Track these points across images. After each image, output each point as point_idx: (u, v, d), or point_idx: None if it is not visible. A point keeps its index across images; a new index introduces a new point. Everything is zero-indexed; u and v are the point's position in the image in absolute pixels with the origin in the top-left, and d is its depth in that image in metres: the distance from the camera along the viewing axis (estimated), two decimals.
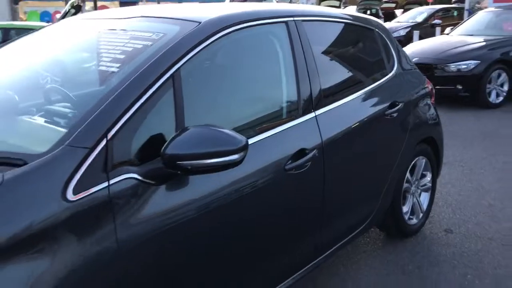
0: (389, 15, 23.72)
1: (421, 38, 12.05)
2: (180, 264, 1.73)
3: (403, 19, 16.51)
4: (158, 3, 24.58)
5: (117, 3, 40.68)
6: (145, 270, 1.61)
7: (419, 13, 16.10)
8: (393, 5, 28.54)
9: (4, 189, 1.38)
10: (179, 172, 1.67)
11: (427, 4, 28.16)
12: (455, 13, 16.49)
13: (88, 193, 1.48)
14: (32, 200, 1.40)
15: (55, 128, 1.68)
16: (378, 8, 27.41)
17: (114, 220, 1.53)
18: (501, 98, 7.60)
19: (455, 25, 10.31)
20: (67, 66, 2.18)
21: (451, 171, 4.57)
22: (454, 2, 19.81)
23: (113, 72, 1.81)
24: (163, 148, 1.64)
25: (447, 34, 9.37)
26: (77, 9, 11.50)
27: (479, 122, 6.63)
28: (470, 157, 5.04)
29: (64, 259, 1.41)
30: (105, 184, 1.53)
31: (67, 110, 1.82)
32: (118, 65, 1.84)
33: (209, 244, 1.82)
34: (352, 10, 28.20)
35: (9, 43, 2.57)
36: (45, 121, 1.80)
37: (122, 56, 1.88)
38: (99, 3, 37.13)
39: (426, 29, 14.76)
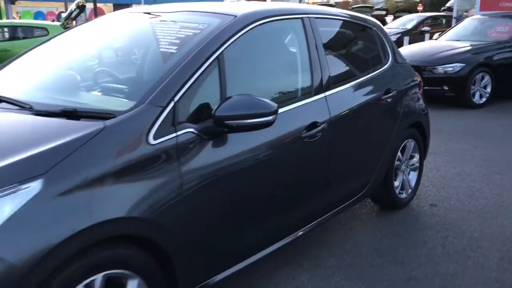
0: (380, 22, 24.38)
1: (410, 44, 12.64)
2: (219, 196, 2.21)
3: (394, 25, 17.14)
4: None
5: (110, 5, 41.02)
6: (195, 194, 2.08)
7: (409, 20, 16.74)
8: (384, 12, 29.36)
9: (106, 131, 1.87)
10: (225, 129, 2.16)
11: (417, 12, 29.01)
12: (444, 21, 17.16)
13: (164, 139, 1.98)
14: (126, 142, 1.89)
15: (133, 91, 2.16)
16: (369, 15, 28.06)
17: (179, 160, 2.02)
18: (484, 99, 8.19)
19: (443, 32, 10.92)
20: (132, 48, 2.67)
21: (436, 159, 5.11)
22: (443, 11, 20.51)
23: (172, 53, 2.31)
24: (213, 111, 2.13)
25: (435, 39, 9.97)
26: (81, 9, 11.95)
27: (463, 120, 7.20)
28: (454, 148, 5.58)
29: (148, 184, 1.90)
30: (174, 134, 2.02)
31: (140, 79, 2.30)
32: (175, 47, 2.34)
33: (243, 186, 2.32)
34: None
35: (64, 33, 3.06)
36: (124, 88, 2.29)
37: (177, 41, 2.38)
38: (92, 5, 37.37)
39: (415, 35, 15.34)
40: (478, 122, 7.09)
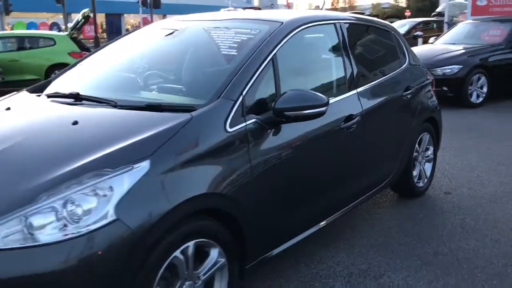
0: None
1: None
2: (278, 177, 2.54)
3: None
4: (151, 16, 25.45)
5: (103, 15, 41.24)
6: (261, 174, 2.40)
7: (401, 26, 17.25)
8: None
9: (194, 121, 2.20)
10: (283, 120, 2.49)
11: (405, 17, 29.69)
12: (435, 26, 17.69)
13: (237, 128, 2.31)
14: (209, 129, 2.22)
15: (206, 88, 2.49)
16: None
17: (248, 145, 2.35)
18: (481, 99, 8.61)
19: (434, 36, 11.37)
20: (192, 51, 3.01)
21: (444, 154, 5.47)
22: (434, 16, 21.10)
23: (233, 55, 2.65)
24: (274, 103, 2.47)
25: (432, 43, 10.40)
26: (86, 19, 12.25)
27: (464, 118, 7.60)
28: (459, 144, 5.96)
29: (226, 165, 2.23)
30: (244, 124, 2.35)
31: (209, 78, 2.64)
32: (235, 50, 2.68)
33: (296, 168, 2.65)
34: None
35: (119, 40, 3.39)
36: (197, 86, 2.62)
37: (235, 45, 2.72)
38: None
39: (408, 40, 15.56)
40: (477, 120, 7.49)
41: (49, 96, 2.80)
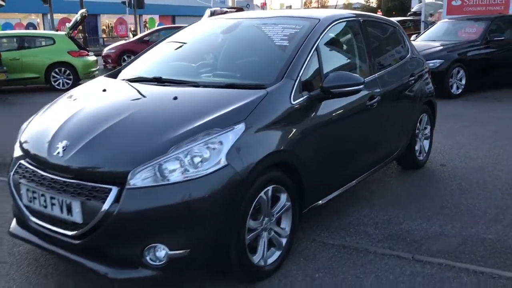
0: None
1: None
2: (323, 140, 3.20)
3: None
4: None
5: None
6: (313, 136, 3.06)
7: None
8: None
9: (269, 95, 2.85)
10: (329, 96, 3.16)
11: None
12: (411, 25, 18.67)
13: (298, 101, 2.97)
14: (280, 102, 2.87)
15: (270, 71, 3.13)
16: None
17: (305, 115, 3.01)
18: (460, 90, 9.48)
19: (411, 35, 12.23)
20: (250, 42, 3.65)
21: (436, 136, 6.18)
22: (410, 15, 22.11)
23: (286, 45, 3.31)
24: (321, 83, 3.14)
25: (414, 40, 11.25)
26: (83, 18, 12.70)
27: (447, 107, 8.40)
28: (446, 127, 6.74)
29: (291, 128, 2.89)
30: (301, 98, 3.01)
31: (270, 63, 3.28)
32: (287, 42, 3.34)
33: (337, 133, 3.33)
34: None
35: (172, 35, 4.02)
36: (260, 69, 3.27)
37: (286, 37, 3.38)
38: (61, 15, 37.40)
39: None
40: (459, 108, 8.33)
41: (132, 80, 3.41)
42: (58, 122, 2.90)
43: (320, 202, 3.33)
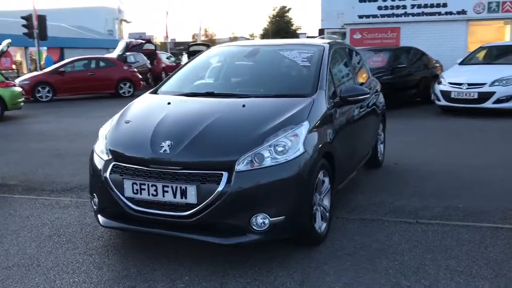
0: None
1: None
2: (342, 137, 4.13)
3: None
4: None
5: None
6: (338, 133, 3.97)
7: None
8: None
9: (315, 102, 3.73)
10: (346, 103, 4.12)
11: None
12: None
13: (329, 107, 3.88)
14: (321, 107, 3.76)
15: (304, 84, 4.01)
16: (205, 51, 31.28)
17: (332, 117, 3.93)
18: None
19: None
20: (276, 64, 4.50)
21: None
22: None
23: (308, 65, 4.23)
24: (339, 93, 4.09)
25: None
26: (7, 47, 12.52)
27: None
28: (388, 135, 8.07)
29: (329, 127, 3.77)
30: (330, 104, 3.93)
31: (302, 78, 4.15)
32: (307, 62, 4.26)
33: (350, 131, 4.29)
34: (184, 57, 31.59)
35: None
36: (297, 83, 4.13)
37: (305, 59, 4.30)
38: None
39: None
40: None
41: (187, 94, 4.10)
42: (148, 129, 3.51)
43: (339, 186, 4.24)
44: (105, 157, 3.55)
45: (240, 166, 3.15)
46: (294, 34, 61.70)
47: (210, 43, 35.64)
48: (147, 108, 4.03)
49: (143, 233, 3.55)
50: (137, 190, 3.30)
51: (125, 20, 52.14)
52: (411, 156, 6.68)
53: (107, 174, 3.43)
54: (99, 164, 3.58)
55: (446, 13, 14.89)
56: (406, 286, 3.03)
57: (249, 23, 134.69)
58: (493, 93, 10.19)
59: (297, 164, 3.26)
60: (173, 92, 4.32)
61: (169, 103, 3.93)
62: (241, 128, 3.43)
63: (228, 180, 3.12)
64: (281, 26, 58.82)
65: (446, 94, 10.77)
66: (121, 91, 17.69)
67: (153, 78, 22.80)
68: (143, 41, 22.77)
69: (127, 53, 19.85)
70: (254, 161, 3.18)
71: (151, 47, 23.85)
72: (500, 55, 12.09)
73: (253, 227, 3.17)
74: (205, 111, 3.72)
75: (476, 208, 4.43)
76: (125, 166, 3.39)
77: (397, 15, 15.32)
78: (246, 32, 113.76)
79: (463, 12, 14.73)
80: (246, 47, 4.87)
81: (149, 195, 3.26)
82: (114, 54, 20.06)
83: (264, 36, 62.65)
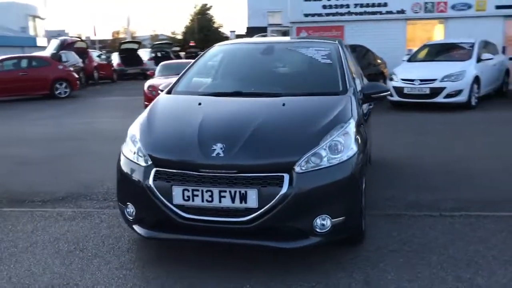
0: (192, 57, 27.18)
1: None
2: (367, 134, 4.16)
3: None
4: None
5: None
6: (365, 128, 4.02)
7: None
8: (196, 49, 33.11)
9: (352, 99, 3.70)
10: (367, 99, 4.14)
11: (190, 47, 33.05)
12: None
13: (359, 104, 3.88)
14: (356, 103, 3.74)
15: (335, 80, 3.97)
16: (169, 50, 30.75)
17: (362, 115, 3.93)
18: None
19: None
20: (299, 62, 4.40)
21: None
22: None
23: (330, 63, 4.20)
24: (363, 90, 4.11)
25: None
26: None
27: None
28: None
29: (361, 121, 3.78)
30: (360, 101, 3.93)
31: (329, 76, 4.10)
32: (329, 60, 4.23)
33: (366, 130, 4.32)
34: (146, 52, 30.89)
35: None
36: (325, 80, 4.07)
37: (326, 56, 4.27)
38: None
39: None
40: None
41: (213, 94, 3.92)
42: (190, 131, 3.31)
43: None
44: (143, 163, 3.29)
45: (300, 167, 3.05)
46: (217, 32, 61.60)
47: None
48: (177, 110, 3.80)
49: (194, 242, 3.34)
50: (188, 196, 3.09)
51: (38, 17, 48.89)
52: (397, 152, 6.88)
53: (150, 182, 3.18)
54: (135, 170, 3.31)
55: (387, 12, 15.51)
56: (467, 279, 3.10)
57: (170, 20, 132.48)
58: (443, 88, 10.78)
59: (352, 162, 3.22)
60: (192, 92, 4.12)
61: (200, 104, 3.73)
62: (292, 128, 3.33)
63: (290, 182, 3.01)
64: (203, 24, 58.30)
65: (399, 90, 11.22)
66: (56, 92, 16.64)
67: (86, 78, 21.73)
68: (78, 39, 21.65)
69: (61, 52, 18.78)
70: (313, 162, 3.10)
71: (83, 45, 22.73)
72: (442, 51, 12.82)
73: (316, 229, 3.09)
74: (247, 111, 3.58)
75: (480, 198, 4.63)
76: (172, 172, 3.16)
77: (341, 14, 15.71)
78: (167, 30, 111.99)
79: (402, 11, 15.41)
80: (257, 45, 4.75)
81: (203, 201, 3.07)
82: (47, 53, 18.89)
83: (186, 34, 61.71)
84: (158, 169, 3.20)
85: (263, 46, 4.66)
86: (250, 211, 3.03)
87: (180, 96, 4.08)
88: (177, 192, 3.11)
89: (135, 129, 3.57)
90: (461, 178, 5.40)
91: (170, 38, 75.19)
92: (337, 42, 4.54)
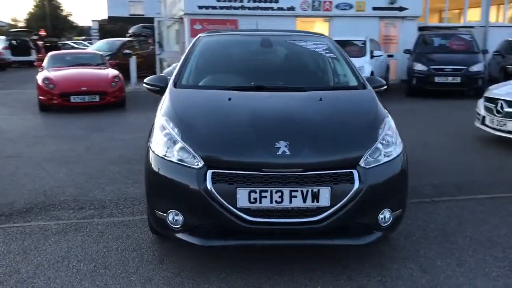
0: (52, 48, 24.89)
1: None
2: None
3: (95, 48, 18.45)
4: None
5: None
6: None
7: (112, 43, 18.45)
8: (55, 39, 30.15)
9: (374, 92, 3.75)
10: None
11: (40, 36, 30.62)
12: (137, 45, 19.65)
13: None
14: (375, 96, 3.80)
15: (351, 75, 3.98)
16: (27, 39, 27.97)
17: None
18: None
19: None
20: (303, 55, 4.27)
21: None
22: (129, 36, 22.78)
23: (334, 57, 4.21)
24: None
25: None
26: None
27: None
28: None
29: None
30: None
31: (344, 69, 4.08)
32: (332, 54, 4.23)
33: None
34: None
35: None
36: (344, 73, 4.04)
37: (327, 50, 4.26)
38: None
39: (119, 58, 16.97)
40: None
41: (230, 88, 3.67)
42: (242, 129, 3.08)
43: None
44: (194, 165, 2.95)
45: (366, 162, 3.02)
46: (66, 21, 57.81)
47: None
48: (209, 105, 3.44)
49: (261, 246, 3.09)
50: (255, 198, 2.86)
51: None
52: None
53: (209, 185, 2.87)
54: (182, 173, 2.96)
55: (278, 9, 15.92)
56: (504, 257, 3.37)
57: (11, 7, 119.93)
58: None
59: (404, 156, 3.29)
60: (200, 86, 3.81)
61: (229, 99, 3.45)
62: (346, 124, 3.27)
63: (359, 178, 2.97)
64: (50, 11, 53.82)
65: None
66: None
67: None
68: None
69: None
70: (373, 157, 3.09)
71: None
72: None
73: (381, 223, 3.09)
74: (292, 107, 3.41)
75: (469, 183, 5.06)
76: (234, 174, 2.89)
77: (235, 8, 15.71)
78: (7, 17, 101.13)
79: (292, 8, 15.96)
80: (252, 37, 4.55)
81: (271, 202, 2.87)
82: None
83: (30, 21, 56.23)
84: (215, 171, 2.91)
85: (259, 38, 4.47)
86: (321, 210, 2.91)
87: (199, 91, 3.74)
88: (242, 195, 2.86)
89: (169, 128, 3.18)
90: (431, 166, 5.83)
91: (11, 26, 68.02)
92: (324, 36, 4.57)
